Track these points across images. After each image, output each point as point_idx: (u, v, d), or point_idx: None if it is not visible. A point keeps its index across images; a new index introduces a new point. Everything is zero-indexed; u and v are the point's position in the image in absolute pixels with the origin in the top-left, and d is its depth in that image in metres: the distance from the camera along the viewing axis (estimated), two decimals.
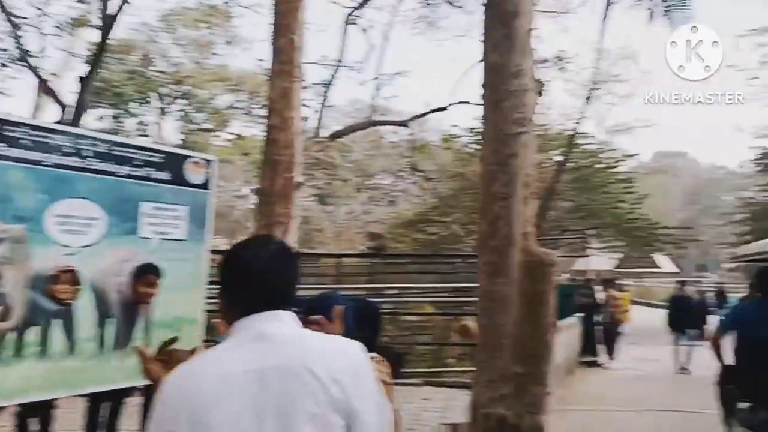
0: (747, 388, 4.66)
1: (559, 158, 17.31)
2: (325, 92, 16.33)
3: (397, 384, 2.53)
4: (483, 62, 4.62)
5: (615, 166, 22.76)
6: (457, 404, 6.35)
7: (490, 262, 4.47)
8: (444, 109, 15.39)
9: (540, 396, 4.59)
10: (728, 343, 5.49)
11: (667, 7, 10.61)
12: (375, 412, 1.47)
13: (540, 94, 4.98)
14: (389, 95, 33.95)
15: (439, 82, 26.61)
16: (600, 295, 14.56)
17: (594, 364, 13.13)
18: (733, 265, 23.81)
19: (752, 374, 4.59)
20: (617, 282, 21.40)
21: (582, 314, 13.45)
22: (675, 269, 39.28)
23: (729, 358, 5.35)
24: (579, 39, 25.63)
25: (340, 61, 15.79)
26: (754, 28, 18.43)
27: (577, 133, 15.16)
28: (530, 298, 4.46)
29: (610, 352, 13.83)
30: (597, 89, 20.39)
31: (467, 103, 13.93)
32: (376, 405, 1.48)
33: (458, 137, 20.17)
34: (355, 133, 20.24)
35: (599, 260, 30.29)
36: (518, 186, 4.43)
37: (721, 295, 17.16)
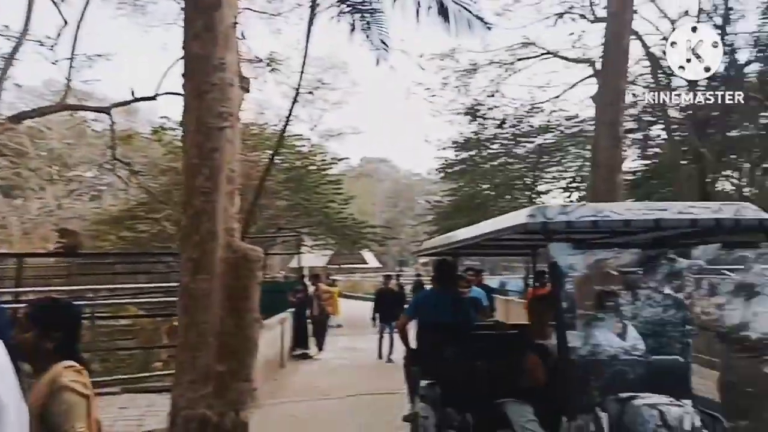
0: (427, 368, 5.24)
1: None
2: (4, 67, 14.04)
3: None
4: (184, 52, 4.43)
5: (326, 169, 24.08)
6: (158, 409, 6.02)
7: (192, 258, 4.30)
8: (153, 98, 14.45)
9: (244, 392, 4.57)
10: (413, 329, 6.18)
11: (365, 24, 11.19)
12: (16, 409, 1.42)
13: (246, 90, 4.97)
14: (90, 78, 30.64)
15: (148, 69, 25.04)
16: (312, 289, 15.27)
17: (305, 357, 13.71)
18: (424, 259, 26.91)
19: (430, 355, 5.18)
20: (330, 277, 22.72)
21: (294, 309, 13.94)
22: (379, 264, 43.24)
23: (414, 343, 6.00)
24: (291, 43, 26.52)
25: (25, 33, 13.71)
26: (436, 53, 20.54)
27: (285, 134, 15.46)
28: (234, 293, 4.41)
29: (320, 343, 14.56)
30: (310, 93, 21.29)
31: (178, 94, 13.25)
32: (18, 402, 1.44)
33: (170, 130, 19.12)
34: (50, 118, 17.91)
35: (312, 257, 31.74)
36: (222, 181, 4.33)
37: (419, 286, 19.11)
